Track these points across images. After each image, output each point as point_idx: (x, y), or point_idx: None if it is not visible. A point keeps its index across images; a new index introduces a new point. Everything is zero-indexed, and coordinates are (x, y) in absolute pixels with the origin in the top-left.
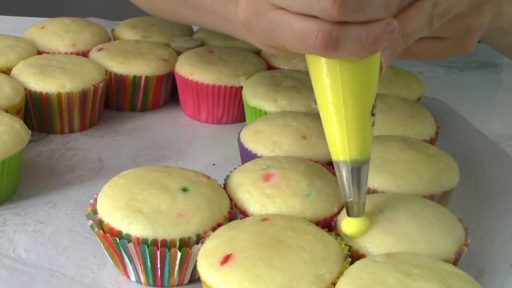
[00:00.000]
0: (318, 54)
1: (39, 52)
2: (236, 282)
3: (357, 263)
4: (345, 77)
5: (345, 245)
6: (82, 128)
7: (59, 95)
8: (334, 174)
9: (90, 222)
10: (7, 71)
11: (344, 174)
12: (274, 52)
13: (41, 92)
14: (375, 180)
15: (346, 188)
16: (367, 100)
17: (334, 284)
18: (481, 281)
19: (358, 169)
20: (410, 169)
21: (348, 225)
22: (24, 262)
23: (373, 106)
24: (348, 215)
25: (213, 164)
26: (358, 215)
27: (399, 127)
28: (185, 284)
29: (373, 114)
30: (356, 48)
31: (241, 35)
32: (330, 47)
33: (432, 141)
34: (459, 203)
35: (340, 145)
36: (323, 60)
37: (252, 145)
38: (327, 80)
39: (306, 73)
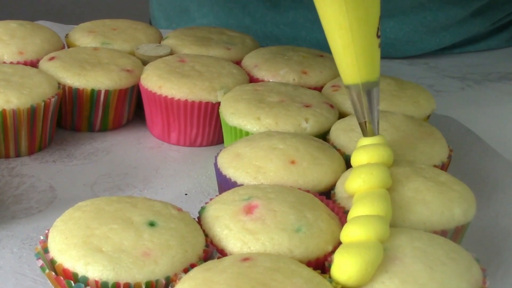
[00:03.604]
0: None
1: None
2: None
3: None
4: (349, 5)
5: None
6: (31, 152)
7: (3, 112)
8: (328, 205)
9: (40, 262)
10: None
11: (356, 96)
12: None
13: None
14: None
15: (360, 110)
16: (372, 23)
17: None
18: None
19: (369, 91)
20: (417, 200)
21: (341, 268)
22: None
23: (378, 28)
24: (364, 135)
25: (186, 194)
26: (373, 134)
27: (405, 150)
28: None
29: (378, 36)
30: None
31: None
32: None
33: (444, 167)
34: (476, 239)
35: (351, 69)
36: None
37: (231, 172)
38: (333, 9)
39: (295, 87)
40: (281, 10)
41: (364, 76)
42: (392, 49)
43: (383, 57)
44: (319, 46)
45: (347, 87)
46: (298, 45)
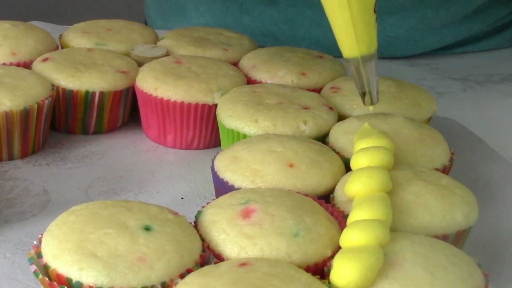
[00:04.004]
0: None
1: None
2: None
3: None
4: None
5: None
6: (24, 155)
7: None
8: (327, 208)
9: (34, 267)
10: None
11: (356, 69)
12: None
13: None
14: None
15: (360, 81)
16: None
17: None
18: None
19: (368, 63)
20: (418, 204)
21: (340, 273)
22: None
23: (375, 4)
24: (364, 104)
25: (182, 198)
26: (374, 103)
27: (406, 153)
28: None
29: (375, 11)
30: None
31: None
32: None
33: (445, 170)
34: (478, 244)
35: (350, 43)
36: None
37: (228, 175)
38: None
39: (293, 89)
40: (279, 8)
41: (363, 50)
42: (392, 47)
43: (383, 57)
44: (319, 44)
45: (347, 60)
46: (297, 43)
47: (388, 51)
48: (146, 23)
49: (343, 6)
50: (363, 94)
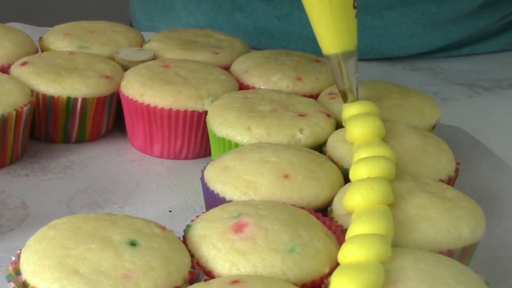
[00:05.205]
0: None
1: None
2: None
3: None
4: None
5: None
6: (2, 165)
7: None
8: (324, 222)
9: (12, 285)
10: None
11: (336, 65)
12: None
13: None
14: None
15: (340, 78)
16: None
17: None
18: None
19: (348, 60)
20: (422, 217)
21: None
22: None
23: (354, 0)
24: (344, 102)
25: (170, 211)
26: (353, 101)
27: (408, 164)
28: None
29: (355, 7)
30: None
31: None
32: None
33: (450, 181)
34: (485, 260)
35: (330, 40)
36: None
37: (219, 187)
38: None
39: (288, 95)
40: (274, 2)
41: (343, 46)
42: (394, 44)
43: (385, 58)
44: (315, 42)
45: (327, 57)
46: (293, 41)
47: (390, 49)
48: (131, 24)
49: (323, 2)
50: (343, 92)
